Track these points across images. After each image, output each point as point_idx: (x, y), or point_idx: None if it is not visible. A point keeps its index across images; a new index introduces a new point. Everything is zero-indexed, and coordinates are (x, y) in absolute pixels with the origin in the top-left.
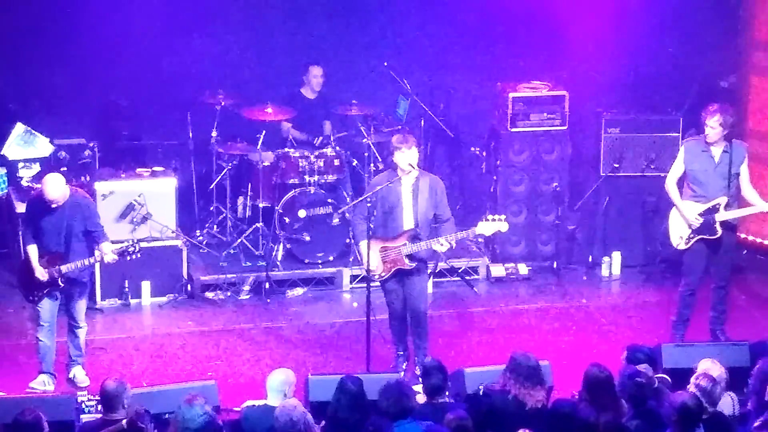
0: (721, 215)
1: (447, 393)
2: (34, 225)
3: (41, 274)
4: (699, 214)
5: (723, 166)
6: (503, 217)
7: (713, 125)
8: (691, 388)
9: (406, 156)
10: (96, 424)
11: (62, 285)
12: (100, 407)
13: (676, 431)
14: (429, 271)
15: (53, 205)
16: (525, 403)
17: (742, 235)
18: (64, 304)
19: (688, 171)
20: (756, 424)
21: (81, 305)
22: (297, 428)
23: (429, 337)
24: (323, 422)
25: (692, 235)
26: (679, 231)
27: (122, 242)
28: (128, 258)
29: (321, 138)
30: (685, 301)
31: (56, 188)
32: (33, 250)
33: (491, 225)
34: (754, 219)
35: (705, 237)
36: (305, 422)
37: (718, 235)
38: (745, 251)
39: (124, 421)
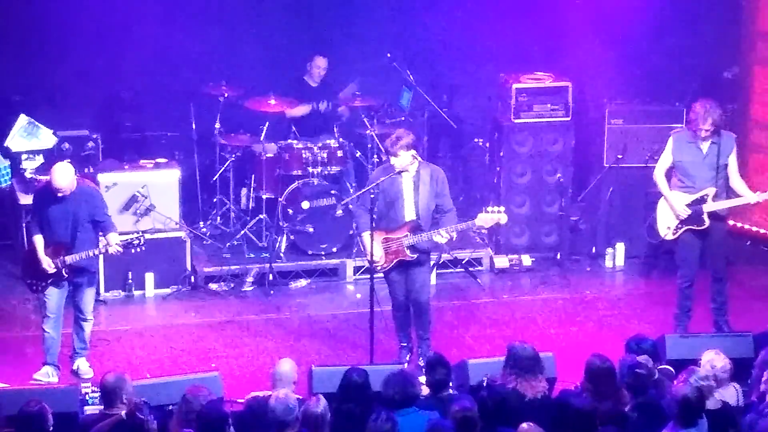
0: (709, 206)
1: (450, 385)
2: (41, 215)
3: (48, 264)
4: (687, 205)
5: (711, 157)
6: (502, 208)
7: (707, 127)
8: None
9: (403, 160)
10: (97, 416)
11: (66, 275)
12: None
13: (678, 423)
14: (432, 262)
15: (59, 194)
16: (524, 395)
17: (746, 226)
18: (71, 295)
19: (676, 162)
20: None
21: (88, 297)
22: (294, 414)
23: (432, 328)
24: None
25: (680, 226)
26: (667, 221)
27: (128, 234)
28: (133, 251)
29: (326, 103)
30: (684, 293)
31: (64, 177)
32: (39, 241)
33: (491, 216)
34: (759, 210)
35: (692, 228)
36: (319, 412)
37: (705, 226)
38: (749, 242)
39: (123, 413)
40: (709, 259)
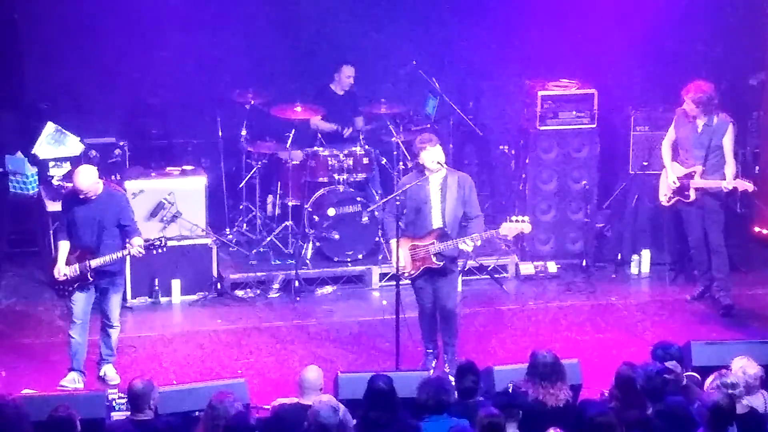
0: (696, 182)
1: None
2: (68, 219)
3: (59, 270)
4: (678, 177)
5: (704, 137)
6: (527, 218)
7: (687, 102)
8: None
9: (431, 154)
10: (123, 423)
11: (91, 279)
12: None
13: (709, 430)
14: (458, 269)
15: (82, 195)
16: (546, 403)
17: None
18: (98, 301)
19: (677, 137)
20: None
21: (115, 303)
22: (338, 417)
23: (458, 335)
24: (354, 420)
25: (672, 195)
26: (664, 189)
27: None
28: (154, 252)
29: (350, 129)
30: (693, 257)
31: (86, 179)
32: (63, 246)
33: (515, 226)
34: None
35: (681, 199)
36: (344, 412)
37: (690, 200)
38: None
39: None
40: (708, 232)
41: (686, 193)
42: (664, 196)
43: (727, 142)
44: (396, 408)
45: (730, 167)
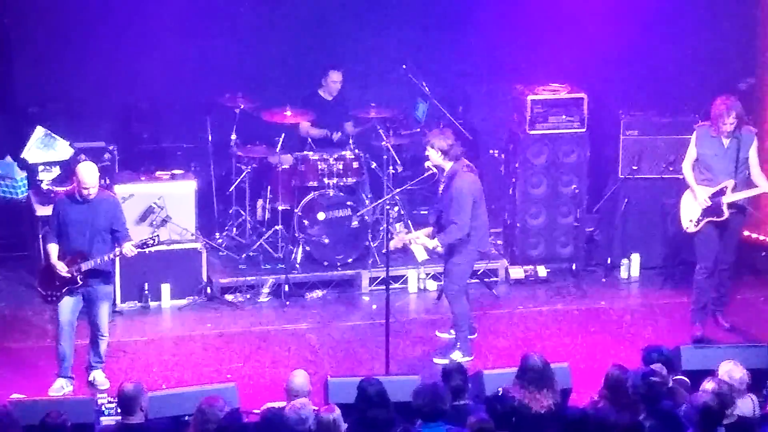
0: (728, 197)
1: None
2: (59, 222)
3: (62, 268)
4: (709, 197)
5: (731, 151)
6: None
7: (732, 121)
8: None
9: (431, 155)
10: (114, 427)
11: (80, 282)
12: (119, 410)
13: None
14: (459, 260)
15: (85, 191)
16: (530, 408)
17: (761, 237)
18: (87, 311)
19: (699, 155)
20: None
21: (104, 312)
22: (306, 426)
23: (461, 325)
24: (346, 425)
25: (701, 218)
26: (690, 214)
27: None
28: (147, 250)
29: (340, 133)
30: (701, 286)
31: (91, 175)
32: (53, 248)
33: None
34: None
35: (713, 219)
36: (319, 419)
37: (725, 217)
38: (764, 253)
39: None
40: (722, 248)
41: (720, 211)
42: (690, 221)
43: (754, 153)
44: (391, 406)
45: (761, 177)
